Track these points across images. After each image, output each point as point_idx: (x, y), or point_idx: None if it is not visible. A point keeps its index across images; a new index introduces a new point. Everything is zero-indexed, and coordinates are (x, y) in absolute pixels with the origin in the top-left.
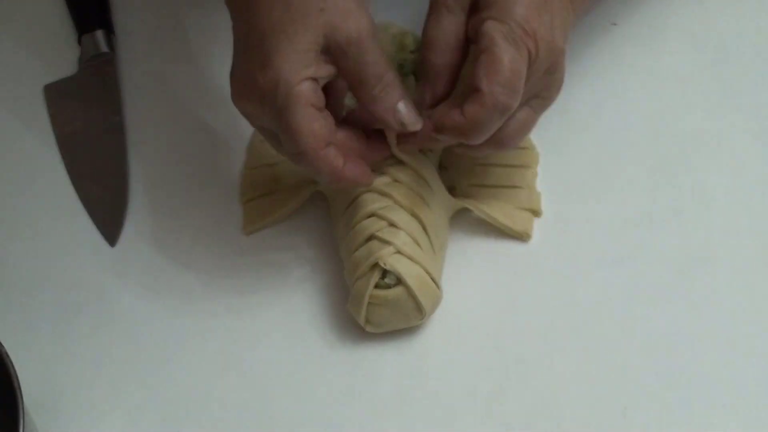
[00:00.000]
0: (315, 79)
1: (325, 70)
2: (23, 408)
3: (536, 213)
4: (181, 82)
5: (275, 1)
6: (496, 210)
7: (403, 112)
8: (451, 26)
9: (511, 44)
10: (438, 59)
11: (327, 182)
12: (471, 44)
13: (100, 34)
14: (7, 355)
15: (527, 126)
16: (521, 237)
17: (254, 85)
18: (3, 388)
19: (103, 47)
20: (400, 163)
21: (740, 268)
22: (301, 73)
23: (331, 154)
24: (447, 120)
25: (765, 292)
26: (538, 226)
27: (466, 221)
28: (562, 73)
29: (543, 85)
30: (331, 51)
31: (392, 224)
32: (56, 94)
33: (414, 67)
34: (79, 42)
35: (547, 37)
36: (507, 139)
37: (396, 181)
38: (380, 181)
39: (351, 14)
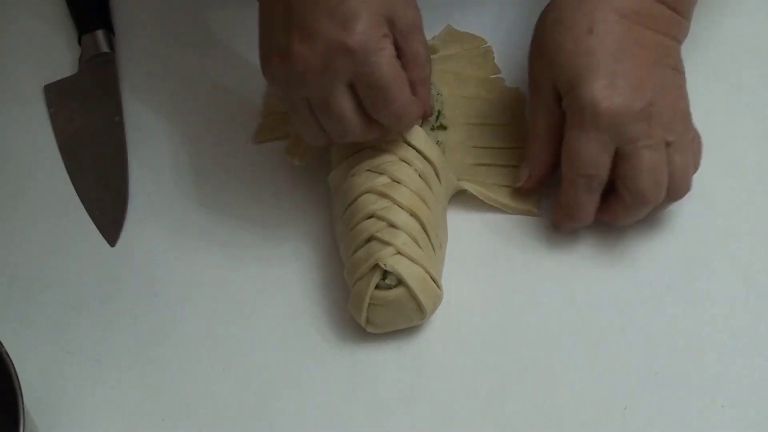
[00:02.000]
0: (388, 36)
1: (391, 33)
2: (23, 408)
3: (532, 212)
4: (181, 81)
5: None
6: (498, 192)
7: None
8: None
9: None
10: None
11: (404, 126)
12: None
13: (100, 34)
14: (8, 355)
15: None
16: (528, 214)
17: (340, 43)
18: (3, 388)
19: (104, 47)
20: (398, 162)
21: (740, 269)
22: (381, 31)
23: (416, 102)
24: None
25: (765, 292)
26: (538, 227)
27: (466, 220)
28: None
29: None
30: (394, 31)
31: (392, 225)
32: (56, 94)
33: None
34: (80, 42)
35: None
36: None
37: (395, 181)
38: (379, 182)
39: (410, 3)
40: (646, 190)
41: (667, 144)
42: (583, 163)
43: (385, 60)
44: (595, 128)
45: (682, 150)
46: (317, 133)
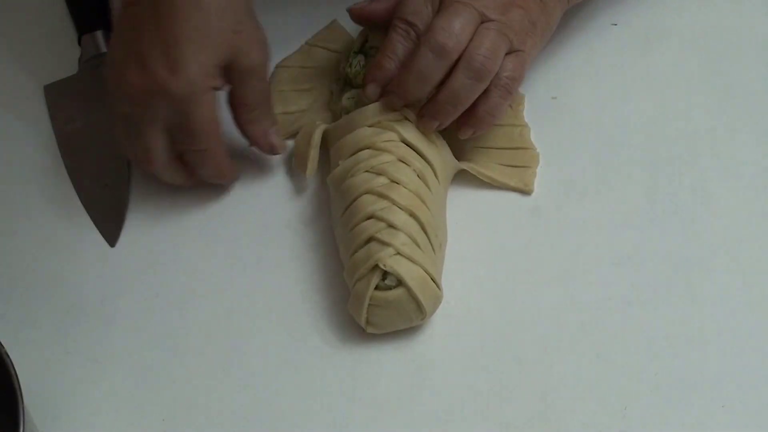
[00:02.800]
0: (215, 88)
1: (222, 84)
2: (23, 408)
3: (527, 190)
4: None
5: (194, 10)
6: (494, 170)
7: (273, 137)
8: None
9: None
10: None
11: (211, 176)
12: None
13: (100, 35)
14: (8, 355)
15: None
16: (522, 191)
17: (162, 85)
18: (3, 388)
19: (103, 47)
20: (397, 163)
21: (740, 268)
22: (208, 83)
23: (224, 152)
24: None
25: (765, 292)
26: (538, 227)
27: (466, 220)
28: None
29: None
30: (231, 72)
31: (391, 225)
32: (56, 94)
33: None
34: (79, 42)
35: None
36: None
37: (394, 182)
38: (378, 183)
39: (260, 45)
40: (441, 35)
41: (485, 19)
42: (406, 10)
43: (202, 111)
44: None
45: (498, 34)
46: (128, 148)
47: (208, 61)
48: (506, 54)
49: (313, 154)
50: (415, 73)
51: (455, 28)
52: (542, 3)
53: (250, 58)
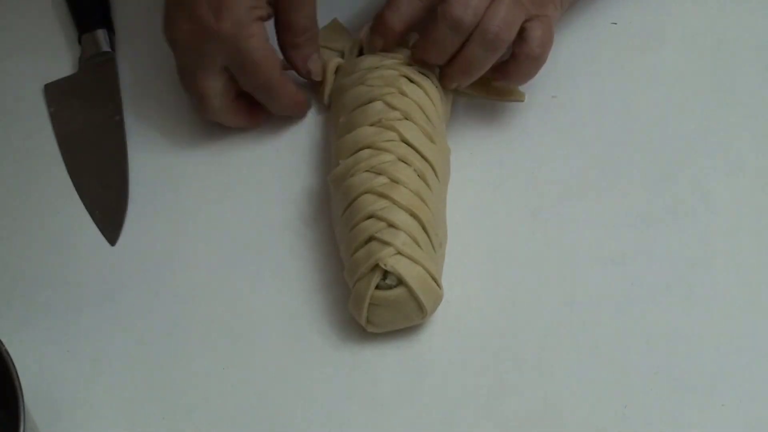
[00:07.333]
0: (262, 18)
1: (268, 12)
2: (24, 407)
3: (519, 98)
4: None
5: None
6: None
7: (313, 63)
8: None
9: None
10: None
11: (285, 107)
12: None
13: (100, 34)
14: (8, 354)
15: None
16: (518, 99)
17: (210, 29)
18: (4, 387)
19: (104, 46)
20: (397, 162)
21: (740, 268)
22: (254, 14)
23: (288, 79)
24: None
25: (765, 292)
26: (538, 227)
27: (466, 220)
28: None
29: None
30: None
31: (392, 225)
32: (56, 94)
33: None
34: (80, 41)
35: None
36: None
37: (394, 181)
38: (378, 182)
39: None
40: (458, 9)
41: None
42: None
43: (254, 45)
44: None
45: (514, 3)
46: (191, 98)
47: None
48: (527, 21)
49: (330, 79)
50: (431, 43)
51: (472, 2)
52: None
53: None
